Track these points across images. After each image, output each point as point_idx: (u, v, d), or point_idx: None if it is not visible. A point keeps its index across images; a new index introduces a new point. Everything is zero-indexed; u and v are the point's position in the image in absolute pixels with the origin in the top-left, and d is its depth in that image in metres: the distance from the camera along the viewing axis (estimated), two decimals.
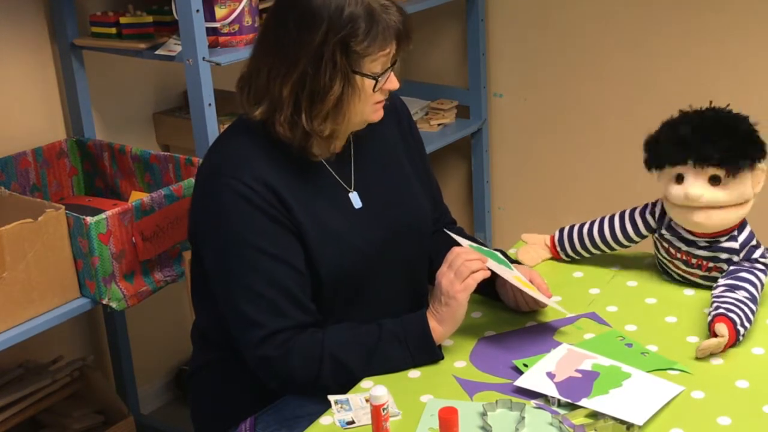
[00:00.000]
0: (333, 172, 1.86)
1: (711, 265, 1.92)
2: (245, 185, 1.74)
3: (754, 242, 1.90)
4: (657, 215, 1.97)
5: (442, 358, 1.77)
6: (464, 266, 1.74)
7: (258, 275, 1.74)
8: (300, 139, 1.77)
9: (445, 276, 1.76)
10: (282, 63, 1.73)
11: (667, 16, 3.00)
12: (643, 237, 2.02)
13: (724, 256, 1.90)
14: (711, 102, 1.88)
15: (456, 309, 1.75)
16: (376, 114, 1.82)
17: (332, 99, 1.72)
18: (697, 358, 1.72)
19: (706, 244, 1.90)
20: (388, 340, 1.75)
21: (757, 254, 1.89)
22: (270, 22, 1.79)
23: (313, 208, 1.80)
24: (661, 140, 1.88)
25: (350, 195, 1.88)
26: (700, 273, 1.94)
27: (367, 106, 1.79)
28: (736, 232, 1.89)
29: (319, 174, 1.85)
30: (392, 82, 1.79)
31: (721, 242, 1.89)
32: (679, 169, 1.85)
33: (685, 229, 1.91)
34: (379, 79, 1.75)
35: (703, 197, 1.83)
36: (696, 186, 1.83)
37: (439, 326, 1.76)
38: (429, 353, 1.76)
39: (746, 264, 1.88)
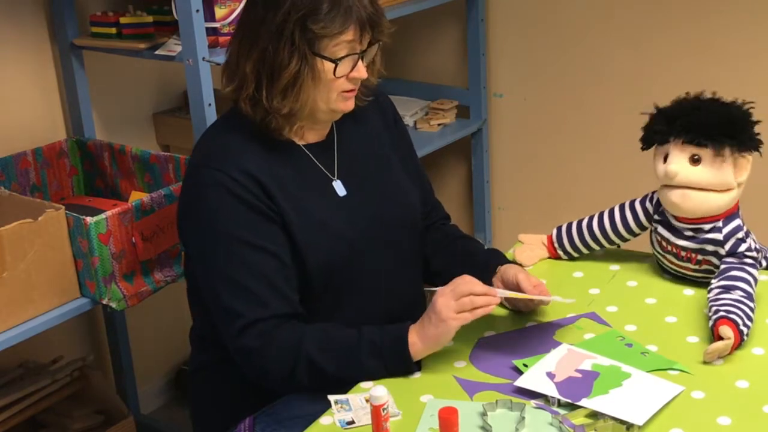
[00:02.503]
0: (316, 161, 1.87)
1: (700, 258, 1.93)
2: (228, 176, 1.75)
3: (740, 235, 1.89)
4: (654, 201, 1.99)
5: (417, 371, 1.74)
6: (469, 300, 1.69)
7: (239, 265, 1.74)
8: (261, 117, 1.79)
9: (444, 297, 1.70)
10: (248, 40, 1.77)
11: (667, 16, 3.00)
12: (642, 228, 2.02)
13: (710, 248, 1.90)
14: (715, 93, 1.89)
15: (443, 333, 1.70)
16: (345, 104, 1.83)
17: (287, 76, 1.74)
18: (705, 362, 1.72)
19: (691, 234, 1.91)
20: (364, 348, 1.72)
21: (743, 248, 1.89)
22: (245, 4, 1.84)
23: (298, 198, 1.81)
24: (654, 118, 1.91)
25: (333, 183, 1.88)
26: (692, 266, 1.94)
27: (332, 93, 1.79)
28: (720, 223, 1.89)
29: (302, 163, 1.86)
30: (358, 71, 1.80)
31: (704, 231, 1.90)
32: (666, 148, 1.88)
33: (672, 216, 1.93)
34: (339, 63, 1.76)
35: (679, 174, 1.85)
36: (675, 163, 1.85)
37: (419, 342, 1.72)
38: (403, 366, 1.72)
39: (734, 260, 1.88)
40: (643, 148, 1.94)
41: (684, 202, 1.87)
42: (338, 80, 1.78)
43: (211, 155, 1.81)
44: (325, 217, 1.83)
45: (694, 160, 1.84)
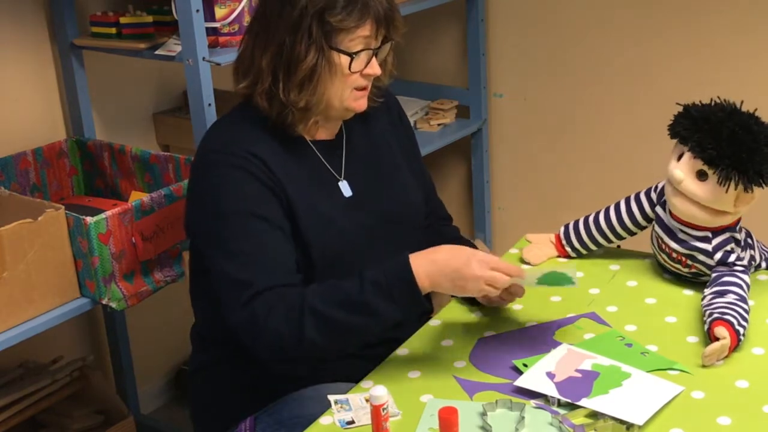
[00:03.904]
0: (324, 161, 1.88)
1: (689, 262, 1.93)
2: (240, 157, 1.77)
3: (728, 247, 1.89)
4: (659, 191, 1.99)
5: (429, 308, 1.72)
6: (501, 279, 1.68)
7: (249, 237, 1.74)
8: (277, 111, 1.80)
9: (481, 268, 1.67)
10: (265, 35, 1.79)
11: (667, 16, 3.00)
12: (648, 219, 2.02)
13: (700, 257, 1.91)
14: (755, 111, 1.85)
15: (454, 290, 1.70)
16: (358, 102, 1.84)
17: (305, 69, 1.75)
18: (704, 366, 1.72)
19: (683, 237, 1.91)
20: (370, 290, 1.69)
21: (732, 258, 1.89)
22: (260, 1, 1.85)
23: (303, 192, 1.81)
24: (684, 115, 1.87)
25: (340, 184, 1.89)
26: (683, 268, 1.95)
27: (346, 90, 1.81)
28: (710, 235, 1.89)
29: (311, 162, 1.87)
30: (372, 67, 1.81)
31: (693, 237, 1.90)
32: (682, 149, 1.86)
33: (668, 212, 1.93)
34: (354, 57, 1.77)
35: (682, 183, 1.85)
36: (682, 170, 1.85)
37: (428, 285, 1.69)
38: (413, 299, 1.69)
39: (724, 268, 1.89)
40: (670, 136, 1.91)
41: (681, 205, 1.87)
42: (353, 75, 1.80)
43: (220, 142, 1.81)
44: (329, 215, 1.83)
45: (701, 175, 1.83)
